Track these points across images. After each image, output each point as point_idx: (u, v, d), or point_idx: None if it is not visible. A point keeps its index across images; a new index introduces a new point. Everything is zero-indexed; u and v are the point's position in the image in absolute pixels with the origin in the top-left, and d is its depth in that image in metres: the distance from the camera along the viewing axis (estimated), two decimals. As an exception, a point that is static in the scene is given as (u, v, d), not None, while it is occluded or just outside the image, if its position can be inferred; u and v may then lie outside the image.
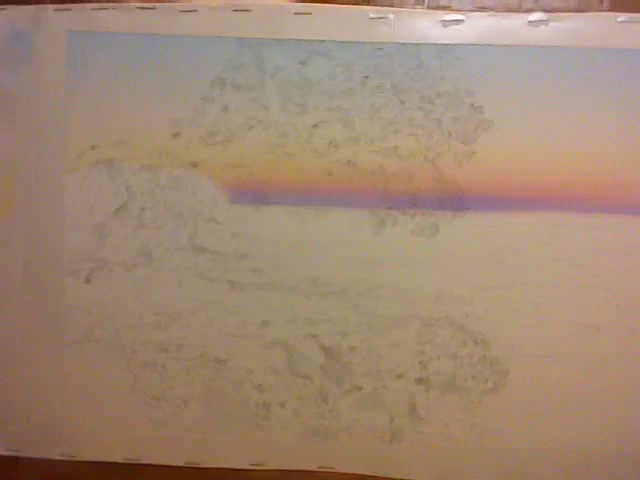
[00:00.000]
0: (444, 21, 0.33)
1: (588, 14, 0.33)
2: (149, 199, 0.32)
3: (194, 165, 0.32)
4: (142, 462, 0.31)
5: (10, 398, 0.32)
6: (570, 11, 0.33)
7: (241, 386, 0.32)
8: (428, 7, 0.34)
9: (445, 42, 0.32)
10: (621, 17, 0.33)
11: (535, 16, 0.33)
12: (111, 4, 0.32)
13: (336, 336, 0.32)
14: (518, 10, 0.34)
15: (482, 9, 0.33)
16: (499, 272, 0.32)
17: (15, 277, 0.31)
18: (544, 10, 0.33)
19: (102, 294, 0.31)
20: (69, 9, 0.32)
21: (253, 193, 0.32)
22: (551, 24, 0.33)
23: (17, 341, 0.31)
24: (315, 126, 0.32)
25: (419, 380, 0.32)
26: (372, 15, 0.32)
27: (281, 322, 0.32)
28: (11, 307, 0.31)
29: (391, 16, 0.33)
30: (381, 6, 0.33)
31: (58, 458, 0.31)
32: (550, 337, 0.32)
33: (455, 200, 0.32)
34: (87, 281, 0.31)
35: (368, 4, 0.33)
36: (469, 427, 0.32)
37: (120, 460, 0.31)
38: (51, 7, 0.32)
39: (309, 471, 0.32)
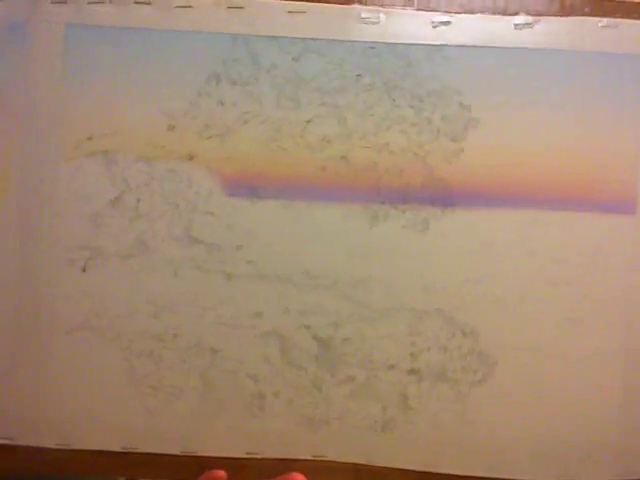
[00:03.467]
0: (433, 22, 0.34)
1: (571, 18, 0.34)
2: (145, 190, 0.32)
3: (190, 158, 0.32)
4: (138, 451, 0.31)
5: (5, 387, 0.31)
6: (554, 15, 0.35)
7: (236, 375, 0.32)
8: (417, 8, 0.35)
9: (434, 43, 0.34)
10: (602, 21, 0.35)
11: (520, 19, 0.34)
12: (107, -3, 0.32)
13: (329, 327, 0.32)
14: (504, 13, 0.35)
15: (470, 11, 0.35)
16: (486, 266, 0.33)
17: (11, 266, 0.31)
18: (529, 13, 0.35)
19: (98, 283, 0.32)
20: (65, 2, 0.32)
21: (248, 186, 0.32)
22: (536, 27, 0.34)
23: (12, 330, 0.31)
24: (308, 121, 0.33)
25: (411, 371, 0.33)
26: (364, 15, 0.33)
27: (275, 313, 0.32)
28: (6, 296, 0.31)
29: (382, 16, 0.34)
30: (372, 6, 0.34)
31: (54, 447, 0.31)
32: (534, 329, 0.33)
33: (444, 196, 0.33)
34: (83, 270, 0.31)
35: (360, 4, 0.34)
36: (459, 417, 0.33)
37: (116, 449, 0.31)
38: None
39: (303, 459, 0.32)
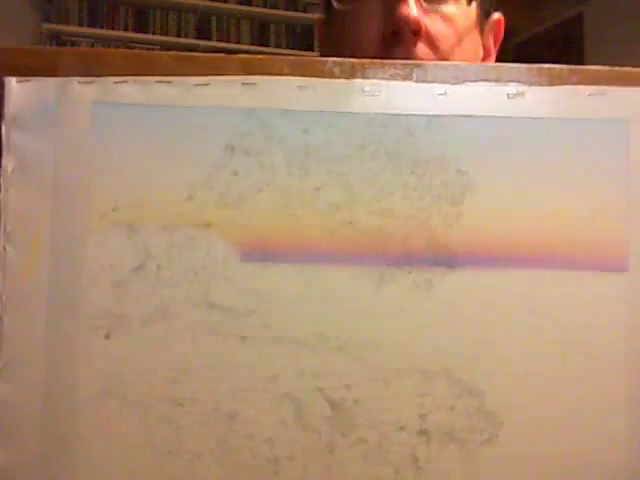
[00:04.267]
0: (431, 93, 0.36)
1: (560, 87, 0.37)
2: (165, 258, 0.34)
3: (207, 226, 0.34)
4: (158, 515, 0.32)
5: (26, 451, 0.32)
6: (544, 85, 0.37)
7: (252, 440, 0.33)
8: (416, 81, 0.37)
9: (432, 113, 0.36)
10: (588, 90, 0.37)
11: (512, 89, 0.37)
12: (131, 77, 0.34)
13: (341, 389, 0.34)
14: (497, 83, 0.37)
15: (464, 82, 0.37)
16: (489, 325, 0.35)
17: (38, 333, 0.32)
18: (520, 83, 0.37)
19: (120, 350, 0.33)
20: (93, 82, 0.34)
21: (262, 251, 0.34)
22: (527, 96, 0.37)
23: (36, 396, 0.32)
24: (317, 189, 0.35)
25: (420, 432, 0.34)
26: (366, 88, 0.36)
27: (289, 376, 0.33)
28: (35, 359, 0.32)
29: (383, 89, 0.36)
30: (374, 80, 0.36)
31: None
32: (538, 388, 0.34)
33: (446, 258, 0.35)
34: (106, 337, 0.33)
35: (363, 78, 0.36)
36: (468, 477, 0.34)
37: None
38: (76, 79, 0.34)
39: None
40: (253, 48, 3.22)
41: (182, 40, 3.14)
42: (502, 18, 0.55)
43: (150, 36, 3.09)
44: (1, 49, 0.35)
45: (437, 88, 0.37)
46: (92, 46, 3.02)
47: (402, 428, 0.34)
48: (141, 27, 3.11)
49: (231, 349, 0.33)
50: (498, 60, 0.57)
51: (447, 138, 0.36)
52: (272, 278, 0.34)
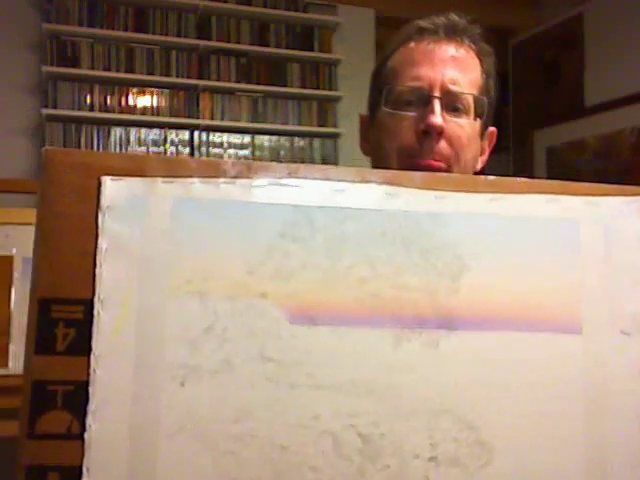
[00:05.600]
0: (435, 197, 0.47)
1: (526, 195, 0.49)
2: (230, 321, 0.42)
3: (263, 295, 0.43)
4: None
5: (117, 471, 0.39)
6: (516, 193, 0.49)
7: (300, 467, 0.41)
8: (423, 188, 0.48)
9: (435, 211, 0.47)
10: (545, 197, 0.49)
11: (493, 196, 0.49)
12: (204, 179, 0.44)
13: (370, 425, 0.42)
14: (483, 192, 0.49)
15: (461, 190, 0.48)
16: (484, 375, 0.44)
17: (125, 382, 0.40)
18: (500, 192, 0.49)
19: (193, 395, 0.40)
20: (173, 182, 0.43)
21: (306, 316, 0.43)
22: (504, 201, 0.48)
23: (123, 434, 0.39)
24: (349, 268, 0.44)
25: (430, 459, 0.42)
26: (387, 191, 0.46)
27: (328, 415, 0.42)
28: (121, 404, 0.39)
29: (401, 193, 0.47)
30: (392, 186, 0.47)
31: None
32: (521, 423, 0.44)
33: (448, 322, 0.45)
34: (182, 384, 0.40)
35: (386, 184, 0.47)
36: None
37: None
38: (160, 179, 0.43)
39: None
40: (253, 48, 3.21)
41: (182, 40, 3.11)
42: (495, 131, 0.78)
43: (150, 36, 3.06)
44: (99, 154, 0.44)
45: (440, 193, 0.48)
46: (92, 46, 2.98)
47: (417, 456, 0.42)
48: (141, 27, 3.06)
49: (282, 394, 0.41)
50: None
51: (447, 231, 0.47)
52: (314, 337, 0.43)
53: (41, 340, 0.40)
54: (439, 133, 0.67)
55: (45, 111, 2.85)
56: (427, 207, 0.47)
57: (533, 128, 3.31)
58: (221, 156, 3.16)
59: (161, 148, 3.06)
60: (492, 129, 0.77)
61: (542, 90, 3.27)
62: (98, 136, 2.97)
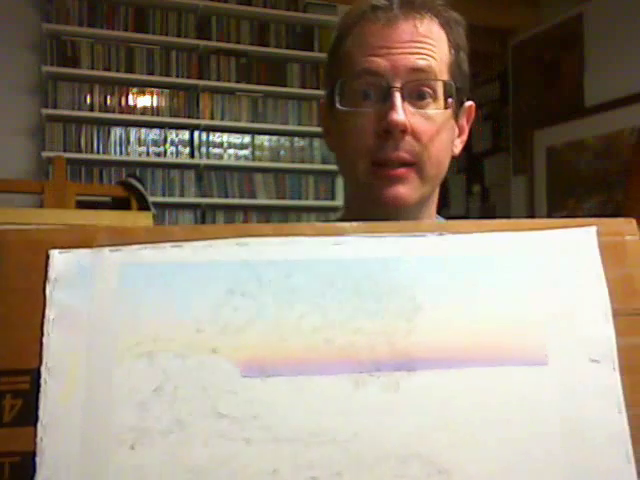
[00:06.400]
0: (386, 242, 0.48)
1: (475, 234, 0.50)
2: (180, 379, 0.41)
3: (214, 351, 0.42)
4: None
5: None
6: (463, 233, 0.50)
7: (259, 530, 0.38)
8: (374, 234, 0.49)
9: (386, 256, 0.47)
10: (492, 235, 0.50)
11: (441, 238, 0.49)
12: (150, 245, 0.45)
13: (333, 476, 0.40)
14: (431, 233, 0.50)
15: (407, 233, 0.49)
16: (448, 414, 0.42)
17: (74, 448, 0.38)
18: (447, 232, 0.50)
19: (144, 458, 0.39)
20: (120, 250, 0.45)
21: (258, 368, 0.42)
22: (453, 241, 0.49)
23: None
24: (300, 317, 0.44)
25: None
26: (335, 241, 0.48)
27: (287, 469, 0.40)
28: (71, 472, 0.38)
29: (349, 242, 0.48)
30: (343, 236, 0.48)
31: None
32: (490, 462, 0.41)
33: (408, 363, 0.44)
34: (132, 448, 0.39)
35: (333, 235, 0.48)
36: None
37: None
38: (107, 249, 0.45)
39: None
40: (253, 48, 3.20)
41: (182, 40, 3.10)
42: (473, 105, 0.70)
43: (150, 36, 3.04)
44: (49, 230, 0.46)
45: (390, 239, 0.49)
46: (92, 46, 2.97)
47: (385, 506, 0.39)
48: (141, 27, 3.05)
49: (238, 450, 0.40)
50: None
51: (398, 274, 0.47)
52: (268, 389, 0.42)
53: (-12, 414, 0.39)
54: (402, 131, 0.60)
55: (45, 111, 2.84)
56: (376, 253, 0.48)
57: (533, 128, 3.25)
58: (221, 156, 3.11)
59: (161, 148, 3.05)
60: (469, 104, 0.69)
61: (542, 90, 3.22)
62: (98, 136, 2.96)
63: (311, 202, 3.26)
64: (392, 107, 0.59)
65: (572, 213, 2.96)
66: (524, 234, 0.50)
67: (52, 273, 0.43)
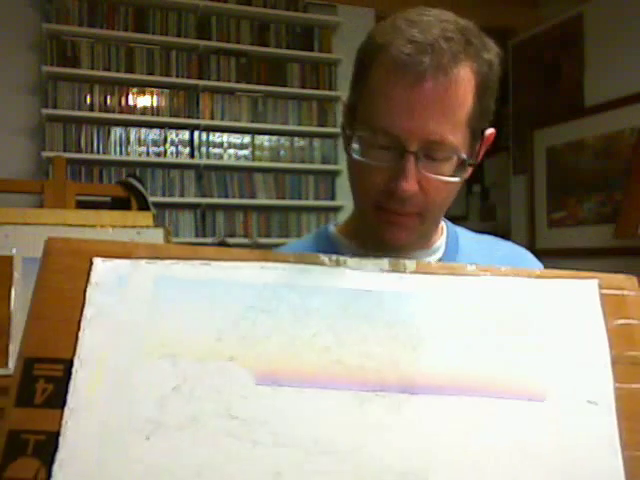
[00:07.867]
0: (396, 278, 0.52)
1: (481, 276, 0.53)
2: (198, 381, 0.45)
3: (231, 359, 0.46)
4: None
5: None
6: (471, 275, 0.53)
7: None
8: (386, 271, 0.53)
9: (395, 290, 0.51)
10: (496, 278, 0.53)
11: (452, 278, 0.53)
12: (182, 260, 0.50)
13: (333, 485, 0.43)
14: (442, 274, 0.53)
15: (425, 273, 0.53)
16: (444, 437, 0.46)
17: (94, 431, 0.42)
18: (455, 274, 0.53)
19: (157, 448, 0.42)
20: (155, 263, 0.49)
21: (272, 378, 0.46)
22: (462, 282, 0.53)
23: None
24: (314, 335, 0.48)
25: None
26: (348, 272, 0.51)
27: (290, 473, 0.43)
28: (88, 455, 0.42)
29: (362, 273, 0.51)
30: (357, 270, 0.52)
31: None
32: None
33: (410, 387, 0.47)
34: (147, 438, 0.42)
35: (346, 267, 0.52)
36: None
37: None
38: (144, 261, 0.49)
39: None
40: (253, 48, 3.18)
41: (182, 40, 3.07)
42: (494, 132, 0.68)
43: (150, 36, 3.01)
44: (92, 241, 0.50)
45: (399, 275, 0.52)
46: (92, 46, 2.95)
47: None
48: (141, 27, 3.02)
49: (244, 450, 0.43)
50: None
51: (406, 306, 0.51)
52: (279, 397, 0.45)
53: (21, 394, 0.43)
54: (410, 198, 0.60)
55: (45, 111, 2.83)
56: (390, 287, 0.51)
57: (533, 128, 3.24)
58: (221, 156, 3.12)
59: (161, 148, 3.03)
60: (490, 131, 0.67)
61: (542, 90, 3.21)
62: (98, 136, 2.94)
63: (311, 202, 3.26)
64: (403, 173, 0.59)
65: (572, 213, 2.93)
66: (531, 280, 0.53)
67: (94, 278, 0.48)
